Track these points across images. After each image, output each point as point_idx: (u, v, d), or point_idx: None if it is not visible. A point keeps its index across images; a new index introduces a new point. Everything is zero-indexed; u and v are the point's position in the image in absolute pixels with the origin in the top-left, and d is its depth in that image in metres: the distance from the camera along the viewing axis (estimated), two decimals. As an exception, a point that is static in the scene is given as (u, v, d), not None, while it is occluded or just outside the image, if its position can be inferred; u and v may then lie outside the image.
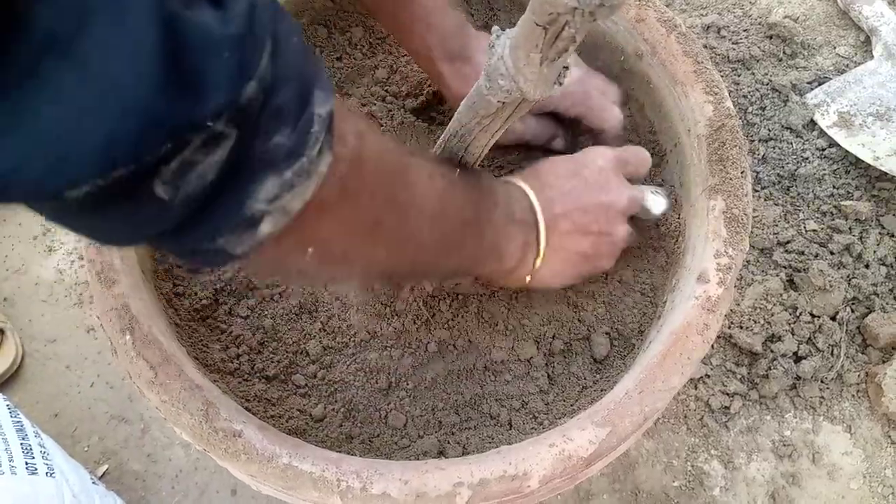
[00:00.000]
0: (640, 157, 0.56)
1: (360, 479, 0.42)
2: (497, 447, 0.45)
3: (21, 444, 0.71)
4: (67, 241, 1.01)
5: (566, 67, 0.33)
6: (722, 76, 1.01)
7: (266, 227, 0.28)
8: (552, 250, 0.51)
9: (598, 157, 0.54)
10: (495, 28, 0.33)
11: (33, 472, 0.69)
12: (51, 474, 0.70)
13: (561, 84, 0.33)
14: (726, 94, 0.55)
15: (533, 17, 0.30)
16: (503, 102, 0.35)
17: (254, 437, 0.44)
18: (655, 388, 0.46)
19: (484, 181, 0.48)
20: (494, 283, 0.56)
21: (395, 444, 0.53)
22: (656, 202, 0.55)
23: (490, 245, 0.48)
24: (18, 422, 0.73)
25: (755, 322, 0.86)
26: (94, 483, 0.75)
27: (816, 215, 0.93)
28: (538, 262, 0.51)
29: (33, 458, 0.71)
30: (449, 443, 0.53)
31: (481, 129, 0.39)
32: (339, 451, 0.47)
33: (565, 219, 0.51)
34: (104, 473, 0.86)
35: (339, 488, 0.42)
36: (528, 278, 0.53)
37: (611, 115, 0.57)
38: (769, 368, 0.85)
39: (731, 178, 0.52)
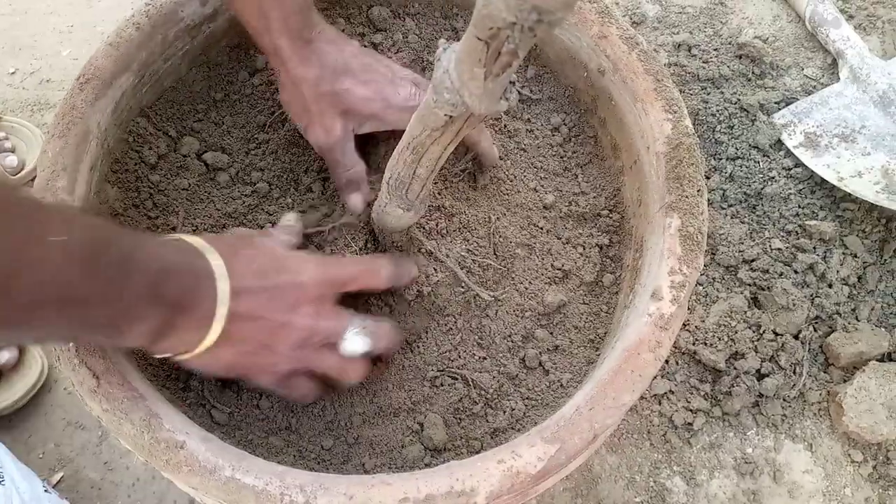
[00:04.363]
0: (371, 272, 0.51)
1: (304, 493, 0.42)
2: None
3: (-30, 451, 0.69)
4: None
5: (512, 83, 0.33)
6: (691, 94, 1.02)
7: None
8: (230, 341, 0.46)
9: (304, 271, 0.49)
10: (442, 41, 0.33)
11: (-18, 479, 0.67)
12: (0, 482, 0.69)
13: (507, 100, 0.33)
14: (685, 112, 0.55)
15: (475, 31, 0.30)
16: (451, 116, 0.35)
17: (196, 448, 0.43)
18: (606, 405, 0.45)
19: (126, 248, 0.41)
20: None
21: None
22: (353, 342, 0.50)
23: (100, 321, 0.40)
24: (-31, 428, 0.71)
25: (719, 339, 0.87)
26: (46, 491, 0.73)
27: (782, 234, 0.94)
28: (202, 345, 0.45)
29: (-17, 465, 0.69)
30: None
31: (432, 141, 0.39)
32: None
33: (249, 316, 0.46)
34: (59, 481, 0.84)
35: (283, 502, 0.42)
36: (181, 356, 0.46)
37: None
38: (732, 385, 0.86)
39: (687, 196, 0.52)
